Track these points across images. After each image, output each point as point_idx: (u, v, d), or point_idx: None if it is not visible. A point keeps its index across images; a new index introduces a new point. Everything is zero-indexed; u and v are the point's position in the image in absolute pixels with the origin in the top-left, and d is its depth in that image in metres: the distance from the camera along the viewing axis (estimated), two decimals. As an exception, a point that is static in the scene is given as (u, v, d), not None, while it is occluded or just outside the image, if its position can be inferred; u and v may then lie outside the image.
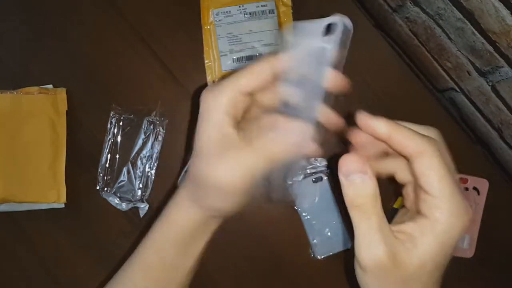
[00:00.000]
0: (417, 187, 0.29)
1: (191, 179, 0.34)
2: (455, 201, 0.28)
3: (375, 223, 0.28)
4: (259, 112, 0.34)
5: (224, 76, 0.36)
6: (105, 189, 0.60)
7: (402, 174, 0.32)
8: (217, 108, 0.31)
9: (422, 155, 0.28)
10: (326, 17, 0.30)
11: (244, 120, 0.34)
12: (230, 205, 0.32)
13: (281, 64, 0.31)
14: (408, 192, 0.32)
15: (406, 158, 0.29)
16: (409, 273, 0.28)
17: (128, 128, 0.61)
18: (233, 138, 0.31)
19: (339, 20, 0.29)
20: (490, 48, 0.52)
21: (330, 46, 0.29)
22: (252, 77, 0.31)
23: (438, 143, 0.29)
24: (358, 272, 0.29)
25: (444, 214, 0.28)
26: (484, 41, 0.52)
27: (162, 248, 0.35)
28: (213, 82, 0.61)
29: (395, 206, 0.58)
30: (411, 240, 0.28)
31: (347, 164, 0.28)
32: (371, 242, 0.27)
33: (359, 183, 0.27)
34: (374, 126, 0.29)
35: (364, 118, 0.29)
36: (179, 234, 0.34)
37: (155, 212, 0.61)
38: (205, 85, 0.61)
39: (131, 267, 0.36)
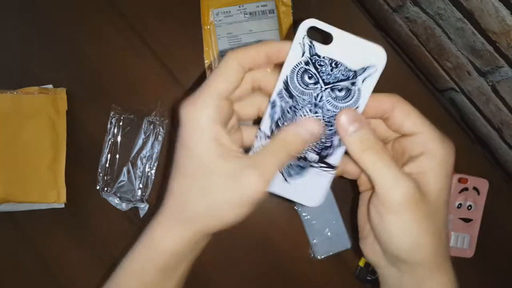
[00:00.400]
0: (400, 141, 0.31)
1: (176, 199, 0.31)
2: (439, 132, 0.30)
3: (391, 161, 0.29)
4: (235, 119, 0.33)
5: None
6: (105, 189, 0.60)
7: None
8: (207, 119, 0.29)
9: (396, 106, 0.30)
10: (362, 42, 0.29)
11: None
12: (231, 221, 0.30)
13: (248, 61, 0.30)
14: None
15: (382, 118, 0.31)
16: (432, 204, 0.29)
17: (128, 128, 0.61)
18: (234, 149, 0.29)
19: (381, 60, 0.29)
20: (490, 48, 0.52)
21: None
22: (227, 81, 0.30)
23: (398, 96, 0.31)
24: (389, 220, 0.28)
25: (437, 143, 0.29)
26: (484, 41, 0.52)
27: (144, 272, 0.32)
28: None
29: (360, 263, 0.59)
30: (420, 175, 0.29)
31: (343, 121, 0.29)
32: (397, 179, 0.28)
33: (360, 130, 0.29)
34: None
35: None
36: (163, 259, 0.31)
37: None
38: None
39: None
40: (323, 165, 0.31)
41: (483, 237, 0.60)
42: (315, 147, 0.31)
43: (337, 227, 0.60)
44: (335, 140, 0.31)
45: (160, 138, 0.60)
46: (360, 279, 0.59)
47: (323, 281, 0.60)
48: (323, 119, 0.30)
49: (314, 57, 0.29)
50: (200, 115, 0.29)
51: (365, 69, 0.29)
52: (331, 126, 0.30)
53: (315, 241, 0.59)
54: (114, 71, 0.62)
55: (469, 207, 0.59)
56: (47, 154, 0.58)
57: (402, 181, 0.28)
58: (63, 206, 0.60)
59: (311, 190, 0.32)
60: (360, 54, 0.29)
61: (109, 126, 0.60)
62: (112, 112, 0.60)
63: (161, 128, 0.60)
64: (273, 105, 0.31)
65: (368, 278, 0.59)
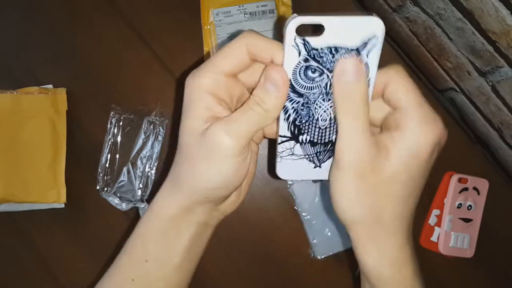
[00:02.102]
0: (392, 114, 0.31)
1: (173, 167, 0.33)
2: (423, 111, 0.29)
3: (365, 125, 0.28)
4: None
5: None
6: (105, 189, 0.60)
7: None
8: (201, 89, 0.29)
9: (391, 81, 0.29)
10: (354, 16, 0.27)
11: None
12: (212, 181, 0.30)
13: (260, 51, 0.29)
14: None
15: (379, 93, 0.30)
16: (383, 181, 0.29)
17: (128, 128, 0.61)
18: (223, 114, 0.30)
19: (380, 29, 0.27)
20: (490, 48, 0.52)
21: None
22: (228, 58, 0.30)
23: (400, 68, 0.30)
24: (334, 174, 0.29)
25: (412, 123, 0.29)
26: (484, 41, 0.52)
27: (145, 236, 0.33)
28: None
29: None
30: (385, 150, 0.29)
31: (342, 63, 0.28)
32: (356, 140, 0.28)
33: (354, 79, 0.28)
34: None
35: None
36: (160, 221, 0.33)
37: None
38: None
39: (119, 257, 0.35)
40: None
41: (483, 237, 0.60)
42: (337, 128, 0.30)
43: (337, 227, 0.60)
44: None
45: (160, 138, 0.60)
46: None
47: (323, 281, 0.60)
48: None
49: (311, 52, 0.28)
50: (196, 83, 0.30)
51: (367, 43, 0.27)
52: None
53: (315, 241, 0.59)
54: (114, 71, 0.62)
55: (469, 207, 0.59)
56: (47, 154, 0.58)
57: (359, 142, 0.28)
58: (63, 206, 0.60)
59: None
60: (357, 31, 0.27)
61: (109, 126, 0.60)
62: (112, 112, 0.60)
63: (161, 128, 0.60)
64: (286, 110, 0.30)
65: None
